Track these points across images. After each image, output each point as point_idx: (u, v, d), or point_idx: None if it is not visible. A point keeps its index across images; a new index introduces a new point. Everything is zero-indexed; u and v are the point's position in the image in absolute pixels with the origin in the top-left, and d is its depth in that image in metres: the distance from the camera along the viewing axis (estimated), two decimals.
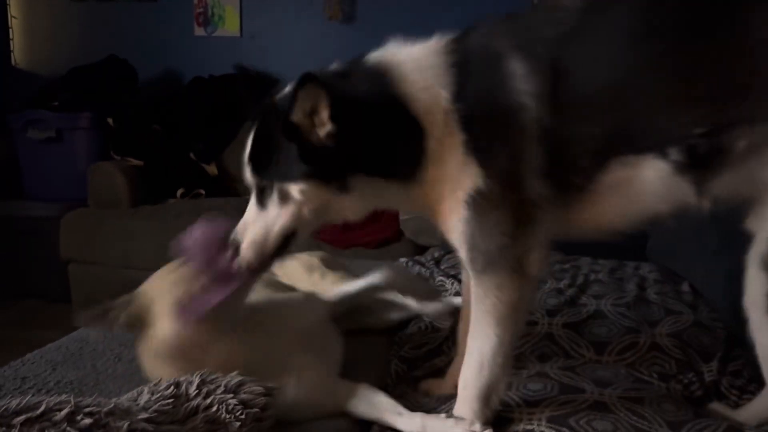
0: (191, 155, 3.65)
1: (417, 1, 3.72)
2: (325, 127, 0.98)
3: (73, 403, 0.87)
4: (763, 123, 0.91)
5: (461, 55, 1.02)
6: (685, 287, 1.74)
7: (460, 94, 1.01)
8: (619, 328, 1.44)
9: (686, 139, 0.94)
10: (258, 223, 1.05)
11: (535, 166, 0.98)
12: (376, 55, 1.06)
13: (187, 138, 3.68)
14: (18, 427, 0.83)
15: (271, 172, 1.03)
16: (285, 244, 1.07)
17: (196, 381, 1.00)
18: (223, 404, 0.98)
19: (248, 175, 1.06)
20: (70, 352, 1.41)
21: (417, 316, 1.56)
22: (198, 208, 3.17)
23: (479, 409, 1.06)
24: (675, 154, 0.95)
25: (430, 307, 1.51)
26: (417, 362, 1.40)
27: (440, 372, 1.33)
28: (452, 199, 1.03)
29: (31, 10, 4.40)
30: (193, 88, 3.87)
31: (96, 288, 3.26)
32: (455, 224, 1.04)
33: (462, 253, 1.06)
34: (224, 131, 3.66)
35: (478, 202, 1.00)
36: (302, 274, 1.56)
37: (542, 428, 1.03)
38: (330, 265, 1.62)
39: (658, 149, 0.95)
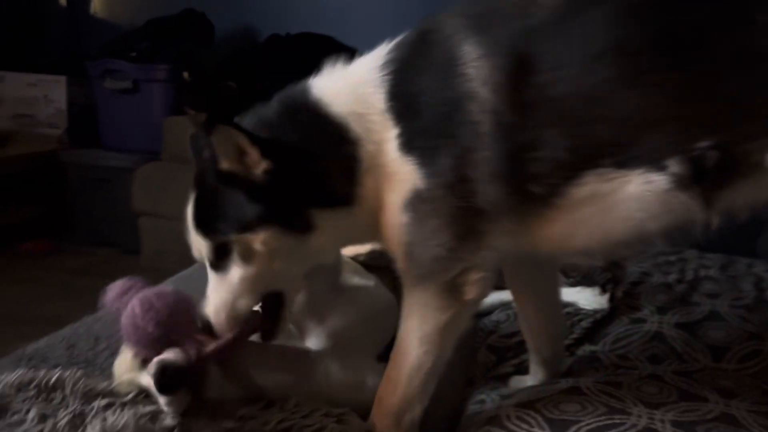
0: None
1: None
2: (260, 165, 0.89)
3: None
4: None
5: (404, 50, 0.92)
6: None
7: (397, 91, 0.90)
8: (739, 332, 1.28)
9: (690, 152, 0.80)
10: (221, 289, 0.93)
11: (490, 168, 0.84)
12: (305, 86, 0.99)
13: (259, 97, 3.60)
14: None
15: (224, 227, 0.91)
16: (274, 308, 0.97)
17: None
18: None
19: (198, 239, 0.94)
20: None
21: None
22: None
23: (389, 427, 0.95)
24: (675, 166, 0.81)
25: None
26: (507, 353, 1.28)
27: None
28: (390, 209, 0.91)
29: None
30: (269, 46, 3.78)
31: (166, 242, 3.26)
32: (393, 235, 0.92)
33: (399, 263, 0.93)
34: None
35: (417, 207, 0.88)
36: None
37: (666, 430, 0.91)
38: None
39: (652, 162, 0.82)
